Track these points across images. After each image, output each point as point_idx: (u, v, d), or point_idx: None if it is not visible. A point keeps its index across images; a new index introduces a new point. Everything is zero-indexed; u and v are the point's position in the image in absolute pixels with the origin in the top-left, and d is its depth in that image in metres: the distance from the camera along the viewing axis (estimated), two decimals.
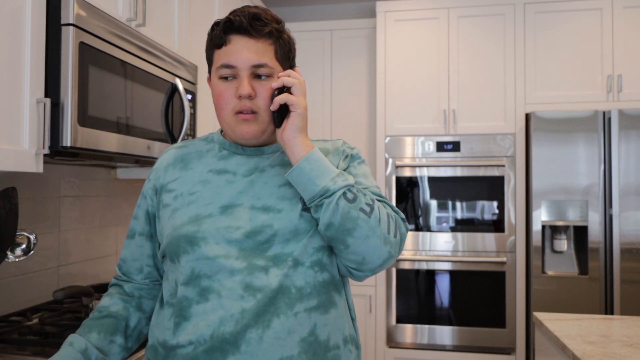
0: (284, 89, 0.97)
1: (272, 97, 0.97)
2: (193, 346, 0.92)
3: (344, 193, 0.93)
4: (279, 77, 0.98)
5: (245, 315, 0.91)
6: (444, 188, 3.19)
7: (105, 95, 1.46)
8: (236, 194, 0.99)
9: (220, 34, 0.99)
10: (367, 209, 0.93)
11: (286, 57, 1.03)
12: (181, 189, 1.03)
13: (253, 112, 0.99)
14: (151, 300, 1.11)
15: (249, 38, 0.98)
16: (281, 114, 0.97)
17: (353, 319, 1.06)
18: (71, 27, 1.32)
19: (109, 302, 1.08)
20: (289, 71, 0.99)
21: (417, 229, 3.20)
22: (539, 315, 1.84)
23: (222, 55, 0.99)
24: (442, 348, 3.13)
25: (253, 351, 0.90)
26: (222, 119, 1.02)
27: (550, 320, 1.76)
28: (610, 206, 2.88)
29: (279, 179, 1.01)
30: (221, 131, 1.12)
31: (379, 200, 1.00)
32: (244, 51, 0.97)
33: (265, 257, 0.94)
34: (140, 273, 1.11)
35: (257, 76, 0.99)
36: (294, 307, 0.93)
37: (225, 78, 0.99)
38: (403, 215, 1.03)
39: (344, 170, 1.06)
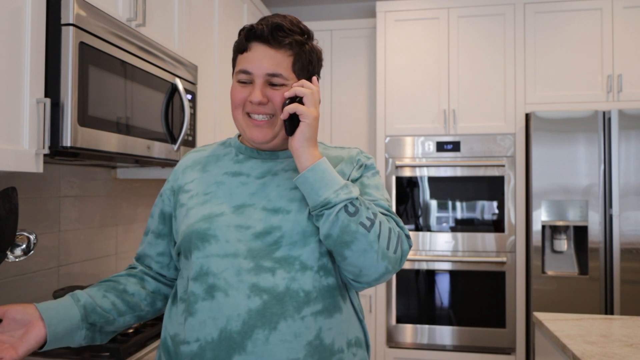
0: (296, 99, 0.99)
1: (283, 105, 1.00)
2: (199, 343, 0.94)
3: (346, 206, 0.93)
4: (292, 87, 1.00)
5: (252, 315, 0.92)
6: (444, 188, 3.19)
7: (105, 95, 1.46)
8: (249, 194, 1.02)
9: (242, 40, 1.04)
10: (368, 223, 0.94)
11: (304, 68, 1.05)
12: (197, 190, 1.07)
13: (269, 117, 1.02)
14: (154, 281, 1.15)
15: (269, 47, 1.01)
16: (292, 123, 0.98)
17: (361, 321, 1.08)
18: (71, 27, 1.32)
19: (115, 274, 1.14)
20: (302, 81, 1.01)
21: (417, 229, 3.20)
22: (539, 315, 1.84)
23: (242, 61, 1.03)
24: (442, 348, 3.14)
25: (259, 352, 0.91)
26: (235, 117, 1.06)
27: (550, 320, 1.76)
28: (610, 206, 2.88)
29: (291, 182, 1.03)
30: (239, 135, 1.16)
31: (385, 215, 1.01)
32: (261, 59, 1.00)
33: (273, 258, 0.96)
34: (151, 270, 1.16)
35: (272, 84, 1.02)
36: (301, 310, 0.94)
37: (242, 82, 1.03)
38: (408, 232, 1.03)
39: (357, 179, 1.07)
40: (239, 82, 1.03)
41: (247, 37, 1.03)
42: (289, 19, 1.04)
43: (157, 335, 1.55)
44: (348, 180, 1.06)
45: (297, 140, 0.97)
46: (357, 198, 0.95)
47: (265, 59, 1.00)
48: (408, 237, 1.02)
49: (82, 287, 1.59)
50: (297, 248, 0.97)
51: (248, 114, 1.03)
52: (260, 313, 0.92)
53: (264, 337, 0.92)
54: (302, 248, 0.97)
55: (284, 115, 0.98)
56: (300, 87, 0.99)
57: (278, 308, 0.93)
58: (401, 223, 1.03)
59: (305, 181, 0.96)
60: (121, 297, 1.08)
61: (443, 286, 3.16)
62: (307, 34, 1.06)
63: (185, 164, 1.14)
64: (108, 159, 1.65)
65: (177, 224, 1.07)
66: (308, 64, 1.05)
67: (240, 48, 1.04)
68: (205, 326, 0.94)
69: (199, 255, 0.98)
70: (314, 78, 1.06)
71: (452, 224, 3.18)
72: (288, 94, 0.99)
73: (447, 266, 3.16)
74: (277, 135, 1.04)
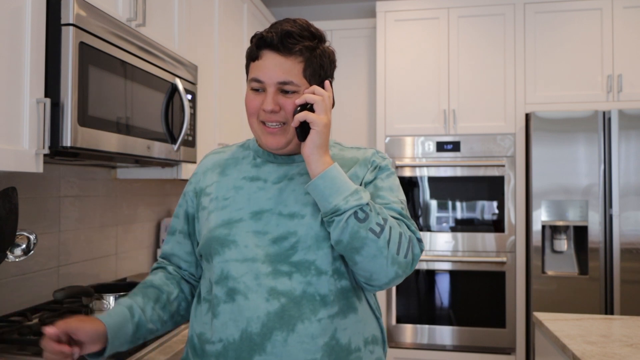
0: (306, 106, 1.00)
1: (294, 113, 1.01)
2: (222, 344, 0.99)
3: (355, 212, 0.95)
4: (304, 94, 1.01)
5: (271, 317, 0.96)
6: (444, 188, 3.19)
7: (105, 95, 1.46)
8: (266, 200, 1.05)
9: (253, 48, 1.05)
10: (377, 229, 0.95)
11: (316, 73, 1.06)
12: (217, 193, 1.10)
13: (281, 124, 1.04)
14: (188, 285, 1.18)
15: (279, 55, 1.02)
16: (304, 129, 1.00)
17: (378, 318, 1.10)
18: (71, 27, 1.32)
19: (153, 277, 1.15)
20: (313, 87, 1.02)
21: (417, 229, 3.20)
22: (539, 315, 1.84)
23: (254, 69, 1.05)
24: (442, 348, 3.14)
25: (278, 352, 0.95)
26: (250, 125, 1.08)
27: (550, 320, 1.76)
28: (610, 206, 2.88)
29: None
30: None
31: (397, 218, 1.02)
32: (272, 68, 1.02)
33: (289, 263, 0.99)
34: (181, 269, 1.19)
35: (284, 91, 1.03)
36: (317, 313, 0.97)
37: (255, 90, 1.05)
38: (420, 235, 1.04)
39: (371, 181, 1.08)
40: (252, 89, 1.05)
41: (258, 45, 1.04)
42: (299, 23, 1.04)
43: (157, 336, 1.55)
44: (362, 182, 1.07)
45: (308, 148, 0.99)
46: (367, 204, 0.96)
47: (276, 67, 1.01)
48: (420, 240, 1.04)
49: (82, 287, 1.58)
50: (312, 252, 1.00)
51: (263, 122, 1.05)
52: (279, 315, 0.96)
53: (282, 339, 0.95)
54: (316, 252, 1.00)
55: (295, 123, 0.99)
56: (311, 94, 1.00)
57: (295, 311, 0.96)
58: (413, 226, 1.04)
59: (315, 188, 0.97)
60: (166, 308, 1.11)
61: (443, 286, 3.16)
62: (318, 38, 1.06)
63: (205, 165, 1.17)
64: (108, 159, 1.65)
65: (199, 225, 1.11)
66: (319, 68, 1.06)
67: (252, 56, 1.06)
68: (228, 327, 0.98)
69: (220, 259, 1.02)
70: (327, 82, 1.06)
71: (452, 224, 3.18)
72: (298, 101, 1.00)
73: (447, 266, 3.16)
74: (290, 141, 1.06)
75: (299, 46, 1.02)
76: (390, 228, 0.97)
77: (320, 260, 0.99)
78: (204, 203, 1.11)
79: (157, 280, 1.14)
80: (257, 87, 1.04)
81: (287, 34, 1.01)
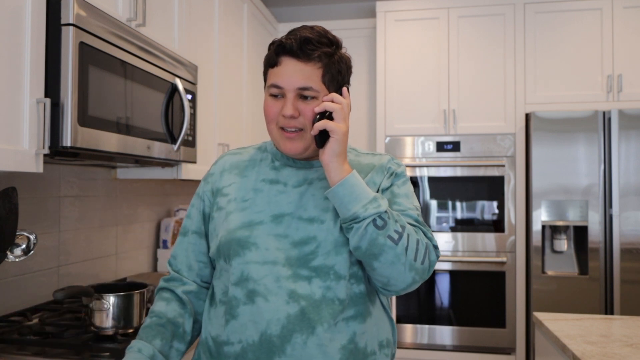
0: (325, 114, 1.01)
1: (314, 121, 1.02)
2: (241, 345, 0.99)
3: (374, 220, 0.96)
4: (323, 101, 1.02)
5: (291, 320, 0.97)
6: (444, 188, 3.19)
7: (105, 95, 1.46)
8: (286, 204, 1.06)
9: (272, 55, 1.06)
10: (395, 236, 0.97)
11: (334, 79, 1.06)
12: (235, 195, 1.10)
13: (299, 130, 1.04)
14: (198, 301, 1.16)
15: (298, 61, 1.03)
16: (322, 137, 1.01)
17: (391, 319, 1.12)
18: (71, 27, 1.32)
19: (166, 308, 1.12)
20: (332, 95, 1.02)
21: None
22: (539, 315, 1.84)
23: (273, 75, 1.05)
24: (442, 348, 3.14)
25: (298, 355, 0.97)
26: (269, 131, 1.09)
27: (550, 320, 1.76)
28: (610, 206, 2.88)
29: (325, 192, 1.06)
30: None
31: (413, 225, 1.04)
32: (292, 74, 1.02)
33: (309, 267, 1.00)
34: (190, 270, 1.15)
35: (303, 97, 1.03)
36: (336, 317, 0.99)
37: (274, 95, 1.05)
38: (436, 242, 1.06)
39: (387, 188, 1.10)
40: (271, 95, 1.06)
41: (277, 52, 1.04)
42: (316, 30, 1.05)
43: None
44: (379, 189, 1.09)
45: (327, 156, 0.99)
46: (385, 211, 0.97)
47: (296, 74, 1.02)
48: (436, 247, 1.05)
49: (82, 287, 1.58)
50: (331, 257, 1.01)
51: (282, 128, 1.05)
52: (299, 318, 0.97)
53: (302, 342, 0.96)
54: (335, 257, 1.01)
55: (314, 131, 1.00)
56: (330, 103, 1.01)
57: (315, 314, 0.97)
58: (430, 233, 1.05)
59: (335, 195, 0.98)
60: (184, 340, 1.11)
61: (443, 286, 3.16)
62: (336, 44, 1.07)
63: (222, 166, 1.17)
64: (108, 159, 1.65)
65: (214, 225, 1.11)
66: (337, 74, 1.06)
67: (270, 62, 1.06)
68: (247, 329, 0.99)
69: (240, 261, 1.02)
70: (344, 90, 1.07)
71: (452, 224, 3.18)
72: (318, 109, 1.01)
73: (447, 266, 3.16)
74: (308, 147, 1.06)
75: (318, 52, 1.03)
76: (408, 235, 0.98)
77: (339, 266, 1.01)
78: (220, 203, 1.11)
79: (172, 313, 1.11)
80: (276, 92, 1.05)
81: (306, 41, 1.02)
